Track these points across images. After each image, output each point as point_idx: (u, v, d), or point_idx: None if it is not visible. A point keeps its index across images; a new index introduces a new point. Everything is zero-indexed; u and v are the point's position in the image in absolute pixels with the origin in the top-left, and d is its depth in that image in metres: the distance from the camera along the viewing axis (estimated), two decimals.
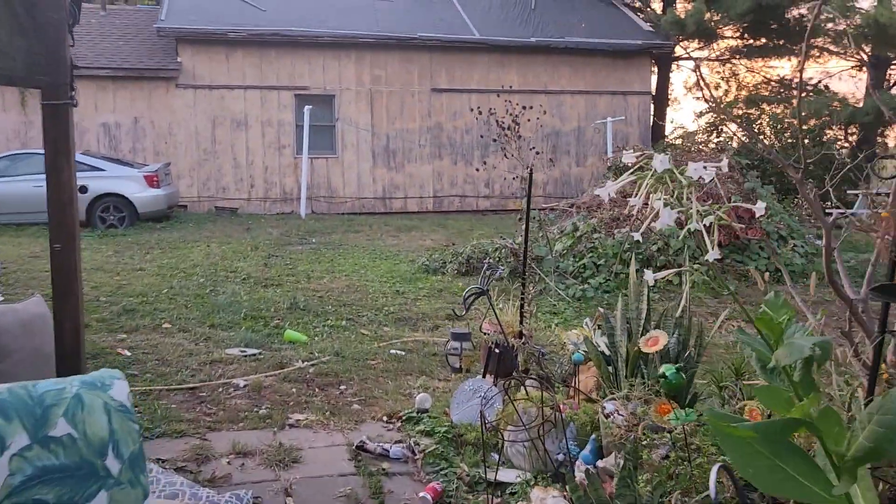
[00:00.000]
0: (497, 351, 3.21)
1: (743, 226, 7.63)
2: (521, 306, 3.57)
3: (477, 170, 14.04)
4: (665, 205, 1.49)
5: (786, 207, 8.72)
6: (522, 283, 3.70)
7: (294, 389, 4.08)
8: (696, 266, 5.55)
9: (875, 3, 17.21)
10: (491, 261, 7.73)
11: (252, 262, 8.35)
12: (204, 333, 5.19)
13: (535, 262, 7.27)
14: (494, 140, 7.32)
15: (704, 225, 1.49)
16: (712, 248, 1.47)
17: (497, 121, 7.15)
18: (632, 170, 1.56)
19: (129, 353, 4.62)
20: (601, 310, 3.46)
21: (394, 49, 14.49)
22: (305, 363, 4.54)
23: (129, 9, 17.51)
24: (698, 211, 1.48)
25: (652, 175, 1.50)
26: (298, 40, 13.99)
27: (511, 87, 13.83)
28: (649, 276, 1.70)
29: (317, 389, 4.12)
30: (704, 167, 1.48)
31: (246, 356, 4.66)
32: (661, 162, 1.49)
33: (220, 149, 14.07)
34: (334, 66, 14.37)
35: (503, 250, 7.71)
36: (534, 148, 7.13)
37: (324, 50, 14.24)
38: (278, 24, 14.01)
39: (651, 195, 1.52)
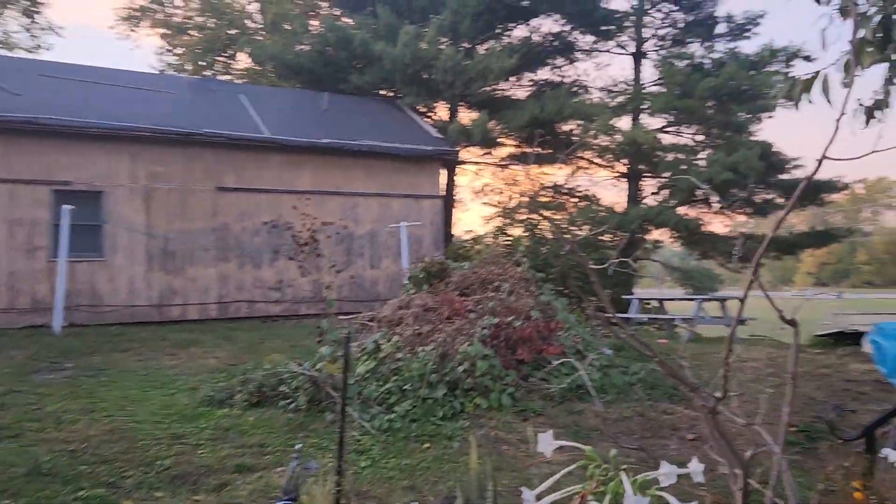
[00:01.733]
0: None
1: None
2: (337, 501, 2.92)
3: (274, 289, 13.17)
4: None
5: (578, 320, 8.96)
6: (339, 469, 3.06)
7: None
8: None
9: (632, 125, 19.48)
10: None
11: None
12: None
13: (335, 390, 6.61)
14: (291, 258, 6.68)
15: None
16: None
17: (293, 236, 6.54)
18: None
19: None
20: None
21: (176, 144, 13.40)
22: None
23: None
24: None
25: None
26: (60, 130, 12.41)
27: (306, 190, 13.36)
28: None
29: None
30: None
31: None
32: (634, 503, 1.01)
33: None
34: (104, 161, 12.92)
35: (301, 377, 6.95)
36: (334, 265, 6.59)
37: (92, 142, 12.77)
38: (37, 110, 12.37)
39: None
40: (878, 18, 2.38)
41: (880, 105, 2.62)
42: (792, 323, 1.67)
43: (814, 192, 19.14)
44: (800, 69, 20.83)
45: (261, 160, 14.13)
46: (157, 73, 24.87)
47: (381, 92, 20.31)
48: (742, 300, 1.77)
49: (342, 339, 3.93)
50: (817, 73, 2.30)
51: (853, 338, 9.36)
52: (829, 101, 2.15)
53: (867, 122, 2.66)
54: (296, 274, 13.73)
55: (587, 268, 2.10)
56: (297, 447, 5.73)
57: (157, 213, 13.35)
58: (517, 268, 9.00)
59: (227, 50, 25.25)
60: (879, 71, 2.55)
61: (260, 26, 25.64)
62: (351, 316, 9.96)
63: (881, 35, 2.36)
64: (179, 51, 26.27)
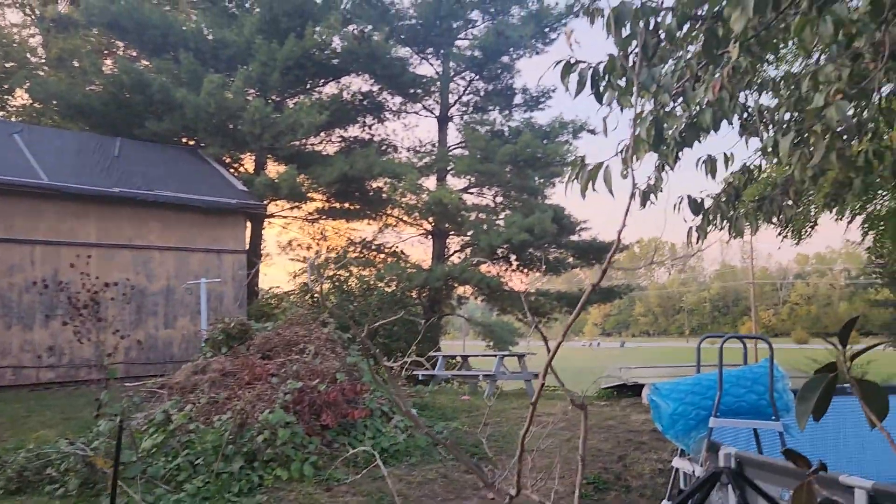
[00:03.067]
0: None
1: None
2: None
3: (47, 353, 11.68)
4: None
5: (384, 380, 8.89)
6: None
7: None
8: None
9: (437, 185, 20.21)
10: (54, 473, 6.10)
11: None
12: None
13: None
14: (65, 324, 5.96)
15: None
16: None
17: (70, 298, 5.86)
18: None
19: None
20: None
21: None
22: None
23: None
24: None
25: None
26: None
27: (91, 242, 12.15)
28: None
29: None
30: None
31: None
32: None
33: None
34: None
35: (72, 457, 6.14)
36: (118, 331, 5.98)
37: None
38: None
39: None
40: (651, 119, 2.68)
41: (653, 189, 2.92)
42: (581, 407, 1.72)
43: (599, 253, 20.98)
44: (585, 140, 23.00)
45: (36, 209, 12.69)
46: None
47: (183, 140, 19.33)
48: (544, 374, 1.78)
49: (123, 412, 3.50)
50: (601, 164, 2.51)
51: (634, 389, 10.19)
52: (611, 193, 2.35)
53: (643, 204, 2.95)
54: (71, 335, 12.36)
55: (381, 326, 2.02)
56: None
57: None
58: (323, 328, 8.79)
59: (1, 85, 22.70)
60: (653, 158, 2.87)
61: (43, 61, 23.43)
62: (139, 382, 9.11)
63: (654, 134, 2.65)
64: None
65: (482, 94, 23.13)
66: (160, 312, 14.03)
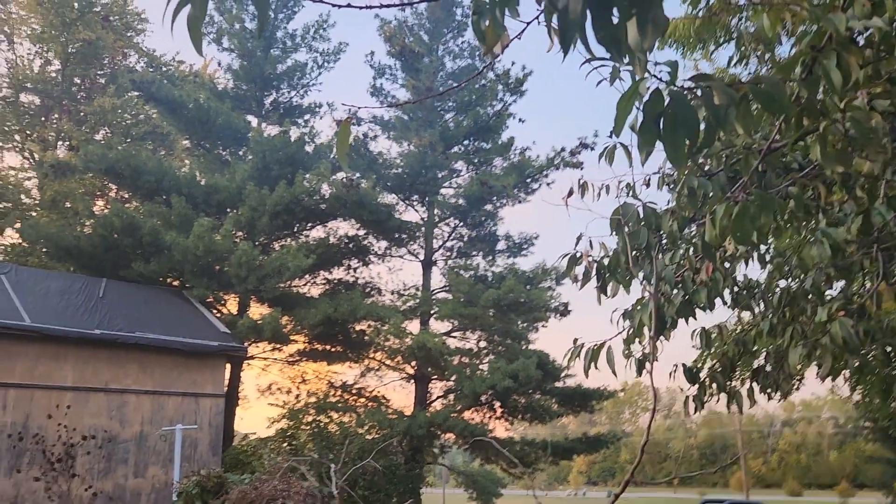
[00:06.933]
0: None
1: None
2: None
3: None
4: None
5: None
6: None
7: None
8: None
9: (420, 328, 20.20)
10: None
11: None
12: None
13: None
14: (37, 479, 5.69)
15: None
16: None
17: (45, 451, 5.63)
18: None
19: None
20: None
21: None
22: None
23: None
24: None
25: None
26: None
27: (66, 385, 11.82)
28: None
29: None
30: None
31: None
32: None
33: None
34: None
35: None
36: (90, 488, 5.71)
37: None
38: None
39: None
40: (651, 307, 2.81)
41: (648, 357, 2.99)
42: None
43: (584, 399, 20.73)
44: (567, 287, 23.27)
45: (13, 350, 12.43)
46: None
47: (168, 281, 19.40)
48: None
49: None
50: (604, 343, 2.59)
51: None
52: (614, 374, 2.41)
53: (639, 372, 3.01)
54: (39, 485, 11.72)
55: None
56: None
57: None
58: (303, 483, 8.44)
59: None
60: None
61: (36, 202, 23.88)
62: None
63: (657, 321, 2.77)
64: None
65: (466, 239, 23.72)
66: (131, 461, 13.42)
